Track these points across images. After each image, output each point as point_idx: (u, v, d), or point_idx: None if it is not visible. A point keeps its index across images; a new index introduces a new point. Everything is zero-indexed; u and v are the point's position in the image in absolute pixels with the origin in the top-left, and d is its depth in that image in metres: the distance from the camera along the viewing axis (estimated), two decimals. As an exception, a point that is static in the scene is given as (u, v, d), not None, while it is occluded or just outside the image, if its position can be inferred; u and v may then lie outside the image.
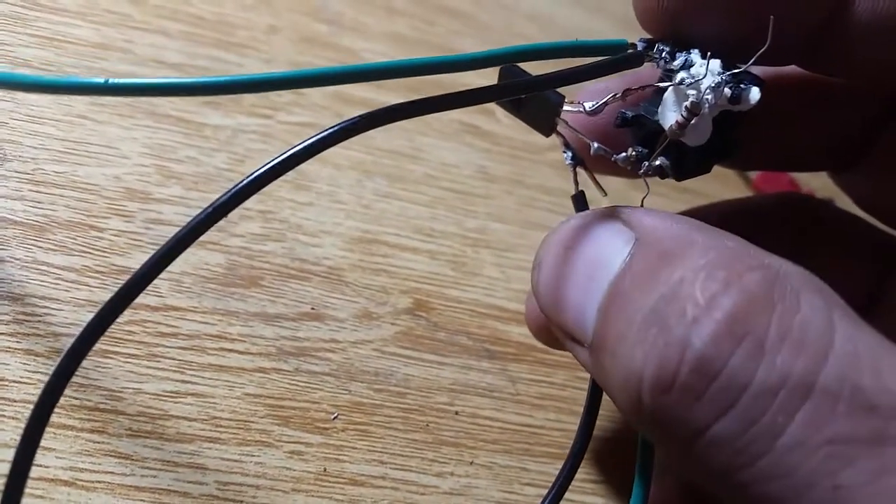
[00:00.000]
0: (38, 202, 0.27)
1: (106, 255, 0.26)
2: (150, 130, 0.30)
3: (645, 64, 0.21)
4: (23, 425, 0.22)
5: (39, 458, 0.22)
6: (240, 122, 0.31)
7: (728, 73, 0.19)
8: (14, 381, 0.23)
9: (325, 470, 0.25)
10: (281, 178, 0.31)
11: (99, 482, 0.23)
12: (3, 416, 0.23)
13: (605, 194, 0.23)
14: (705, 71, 0.19)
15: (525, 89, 0.20)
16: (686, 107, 0.19)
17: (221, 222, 0.28)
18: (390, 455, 0.26)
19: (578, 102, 0.21)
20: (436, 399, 0.28)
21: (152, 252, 0.27)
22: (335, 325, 0.28)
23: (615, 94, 0.21)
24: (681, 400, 0.15)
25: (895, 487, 0.14)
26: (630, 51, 0.20)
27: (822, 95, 0.25)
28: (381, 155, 0.33)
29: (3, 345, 0.24)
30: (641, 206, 0.21)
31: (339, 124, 0.18)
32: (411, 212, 0.32)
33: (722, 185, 0.40)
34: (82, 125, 0.29)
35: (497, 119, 0.37)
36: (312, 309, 0.28)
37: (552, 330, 0.21)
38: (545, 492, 0.26)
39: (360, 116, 0.18)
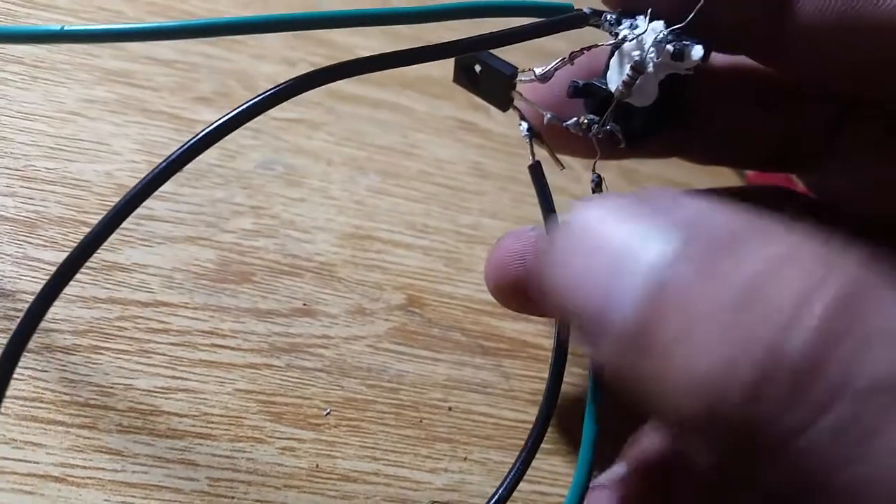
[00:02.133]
0: (30, 198, 0.27)
1: (97, 251, 0.26)
2: (141, 127, 0.30)
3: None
4: (10, 421, 0.22)
5: (30, 454, 0.22)
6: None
7: (670, 30, 0.20)
8: (4, 377, 0.23)
9: (317, 466, 0.25)
10: (272, 173, 0.31)
11: (90, 478, 0.22)
12: (-7, 412, 0.22)
13: (563, 167, 0.24)
14: (646, 28, 0.20)
15: (468, 49, 0.20)
16: (631, 66, 0.20)
17: (213, 218, 0.28)
18: (383, 451, 0.26)
19: (530, 70, 0.21)
20: (429, 395, 0.28)
21: (143, 248, 0.27)
22: (327, 320, 0.28)
23: (563, 59, 0.21)
24: (773, 403, 0.14)
25: None
26: (573, 12, 0.21)
27: (778, 94, 0.25)
28: (375, 151, 0.33)
29: (-8, 341, 0.24)
30: (594, 171, 0.22)
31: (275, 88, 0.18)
32: (405, 208, 0.32)
33: (715, 178, 0.40)
34: (74, 122, 0.29)
35: (491, 116, 0.37)
36: (304, 305, 0.28)
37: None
38: (538, 488, 0.26)
39: (295, 78, 0.18)
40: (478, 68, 0.23)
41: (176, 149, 0.18)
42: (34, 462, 0.22)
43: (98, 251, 0.26)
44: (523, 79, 0.22)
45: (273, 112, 0.32)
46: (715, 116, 0.25)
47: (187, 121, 0.31)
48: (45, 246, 0.26)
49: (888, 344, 0.14)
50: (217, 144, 0.30)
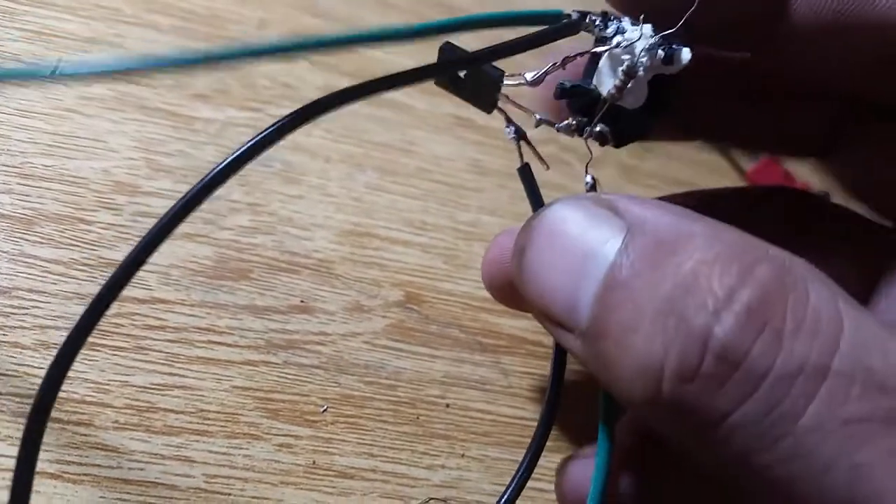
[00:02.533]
0: (27, 195, 0.27)
1: (94, 248, 0.26)
2: (139, 124, 0.30)
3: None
4: (6, 418, 0.22)
5: (25, 450, 0.22)
6: (229, 115, 0.31)
7: (660, 35, 0.20)
8: (0, 374, 0.23)
9: (314, 463, 0.25)
10: (270, 170, 0.31)
11: (86, 475, 0.22)
12: (-11, 408, 0.22)
13: (548, 167, 0.24)
14: (639, 34, 0.20)
15: (464, 65, 0.20)
16: (622, 70, 0.20)
17: (210, 215, 0.28)
18: (380, 448, 0.26)
19: (520, 74, 0.21)
20: (427, 392, 0.28)
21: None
22: (325, 317, 0.28)
23: (555, 63, 0.21)
24: (704, 388, 0.16)
25: None
26: (565, 20, 0.21)
27: (776, 90, 0.25)
28: (373, 148, 0.33)
29: (-11, 338, 0.24)
30: (586, 172, 0.22)
31: (276, 123, 0.18)
32: (403, 205, 0.32)
33: (716, 176, 0.40)
34: (71, 119, 0.29)
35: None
36: (302, 302, 0.28)
37: (535, 316, 0.20)
38: (537, 484, 0.26)
39: (294, 112, 0.18)
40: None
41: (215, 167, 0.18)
42: (30, 459, 0.22)
43: (95, 248, 0.26)
44: (509, 82, 0.22)
45: (271, 109, 0.32)
46: (707, 111, 0.25)
47: (185, 118, 0.31)
48: (42, 243, 0.26)
49: (806, 333, 0.15)
50: (214, 142, 0.31)
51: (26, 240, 0.26)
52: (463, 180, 0.34)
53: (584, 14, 0.21)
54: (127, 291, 0.25)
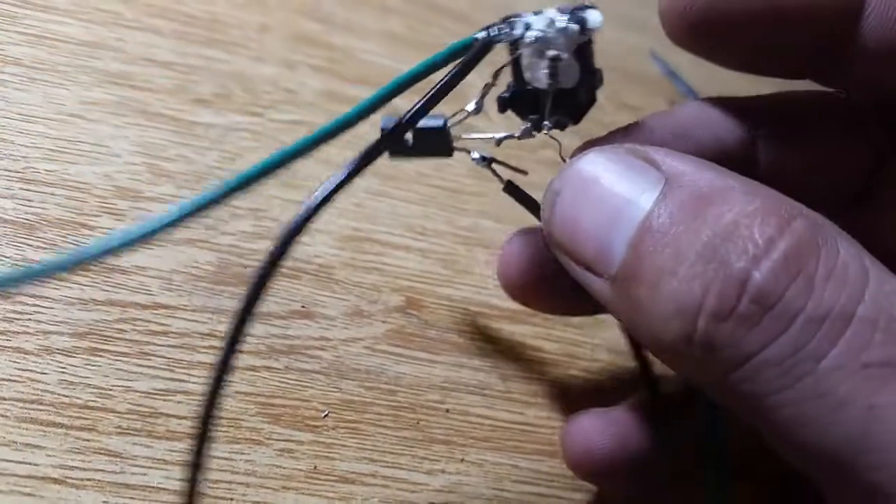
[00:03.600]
0: (29, 200, 0.27)
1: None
2: (140, 129, 0.30)
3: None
4: (10, 423, 0.22)
5: (29, 455, 0.22)
6: (231, 120, 0.31)
7: (563, 12, 0.21)
8: (4, 379, 0.23)
9: (315, 467, 0.25)
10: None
11: (89, 480, 0.23)
12: (-7, 414, 0.23)
13: (526, 173, 0.26)
14: (546, 20, 0.21)
15: (402, 131, 0.21)
16: (548, 58, 0.21)
17: (212, 220, 0.28)
18: (381, 453, 0.26)
19: (462, 110, 0.23)
20: (427, 397, 0.28)
21: (142, 251, 0.27)
22: (326, 323, 0.28)
23: (487, 84, 0.23)
24: (738, 327, 0.17)
25: None
26: (476, 45, 0.21)
27: (830, 123, 0.25)
28: (373, 153, 0.33)
29: (-8, 343, 0.24)
30: (563, 160, 0.23)
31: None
32: (403, 210, 0.32)
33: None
34: (74, 124, 0.29)
35: (490, 118, 0.37)
36: (303, 307, 0.28)
37: (559, 259, 0.21)
38: (536, 489, 0.26)
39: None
40: (408, 135, 0.24)
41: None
42: (33, 464, 0.22)
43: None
44: (454, 121, 0.24)
45: (272, 114, 0.32)
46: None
47: (186, 123, 0.31)
48: (45, 248, 0.26)
49: (836, 282, 0.16)
50: (217, 148, 0.31)
51: (28, 245, 0.26)
52: (463, 185, 0.34)
53: (488, 29, 0.22)
54: (129, 296, 0.26)
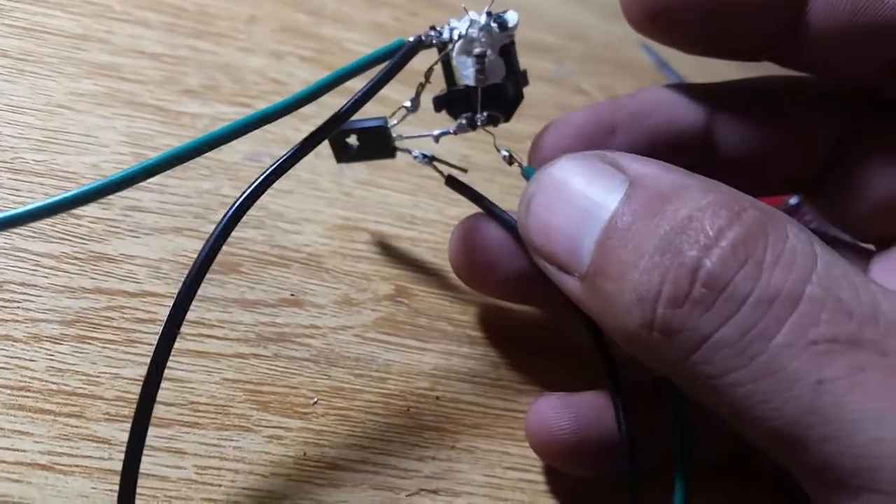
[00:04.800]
0: (17, 190, 0.27)
1: (84, 241, 0.26)
2: (128, 119, 0.30)
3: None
4: (0, 411, 0.22)
5: (17, 442, 0.22)
6: (218, 110, 0.31)
7: (484, 13, 0.23)
8: (-9, 367, 0.23)
9: (304, 454, 0.25)
10: (260, 164, 0.31)
11: (77, 466, 0.23)
12: (-20, 401, 0.23)
13: (466, 171, 0.28)
14: (468, 21, 0.23)
15: (337, 123, 0.23)
16: (474, 56, 0.23)
17: (200, 209, 0.28)
18: (371, 440, 0.26)
19: (400, 107, 0.25)
20: (417, 384, 0.28)
21: (130, 239, 0.27)
22: (315, 311, 0.28)
23: (421, 83, 0.25)
24: (692, 311, 0.18)
25: (868, 381, 0.16)
26: (404, 48, 0.23)
27: (788, 108, 0.26)
28: (362, 143, 0.33)
29: (-20, 331, 0.24)
30: (497, 149, 0.26)
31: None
32: (393, 199, 0.32)
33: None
34: (61, 114, 0.29)
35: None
36: (292, 295, 0.28)
37: (535, 261, 0.23)
38: (527, 476, 0.26)
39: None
40: (351, 139, 0.26)
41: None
42: (21, 451, 0.22)
43: (85, 242, 0.26)
44: (394, 122, 0.26)
45: (260, 105, 0.32)
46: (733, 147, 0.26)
47: (174, 113, 0.31)
48: (33, 237, 0.26)
49: (783, 265, 0.17)
50: (204, 136, 0.31)
51: (18, 234, 0.26)
52: (453, 163, 0.34)
53: (419, 35, 0.24)
54: (117, 284, 0.26)
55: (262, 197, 0.29)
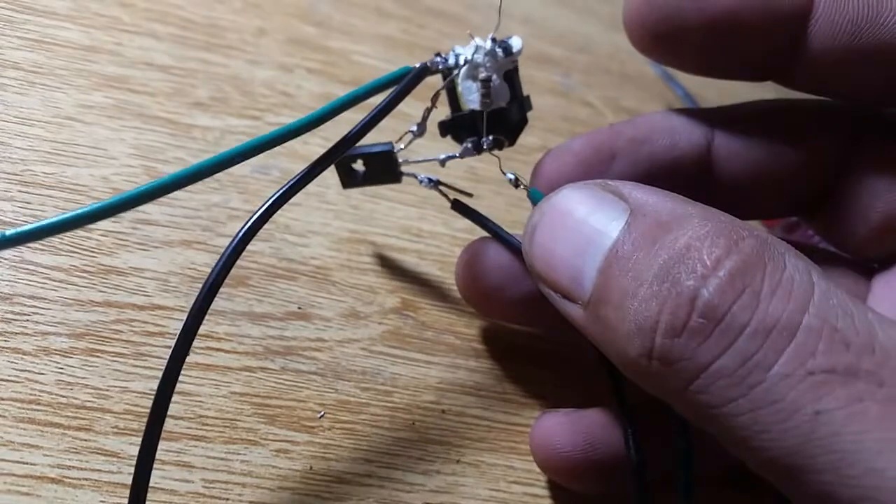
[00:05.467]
0: (27, 203, 0.27)
1: (94, 254, 0.26)
2: (137, 132, 0.30)
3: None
4: (8, 423, 0.23)
5: (27, 455, 0.22)
6: (228, 123, 0.32)
7: (489, 39, 0.24)
8: (2, 380, 0.23)
9: (311, 468, 0.25)
10: (268, 177, 0.31)
11: (86, 479, 0.23)
12: (-10, 414, 0.23)
13: (471, 195, 0.29)
14: (474, 47, 0.24)
15: (345, 146, 0.23)
16: (480, 81, 0.24)
17: (209, 222, 0.29)
18: (376, 453, 0.26)
19: (407, 132, 0.26)
20: (422, 397, 0.28)
21: (139, 252, 0.27)
22: (322, 324, 0.28)
23: (427, 108, 0.25)
24: (690, 341, 0.18)
25: (866, 411, 0.16)
26: (411, 73, 0.24)
27: (786, 131, 0.26)
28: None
29: (-10, 344, 0.24)
30: (503, 172, 0.26)
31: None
32: (399, 212, 0.32)
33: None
34: (71, 126, 0.29)
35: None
36: (299, 308, 0.28)
37: (540, 288, 0.23)
38: (531, 490, 0.27)
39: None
40: (357, 164, 0.27)
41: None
42: (31, 464, 0.22)
43: (95, 255, 0.26)
44: (401, 146, 0.26)
45: (269, 117, 0.32)
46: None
47: (184, 126, 0.31)
48: (43, 250, 0.26)
49: (781, 296, 0.17)
50: (214, 150, 0.31)
51: (27, 246, 0.26)
52: (459, 187, 0.34)
53: (425, 62, 0.24)
54: (126, 298, 0.26)
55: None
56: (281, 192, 0.22)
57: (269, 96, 0.33)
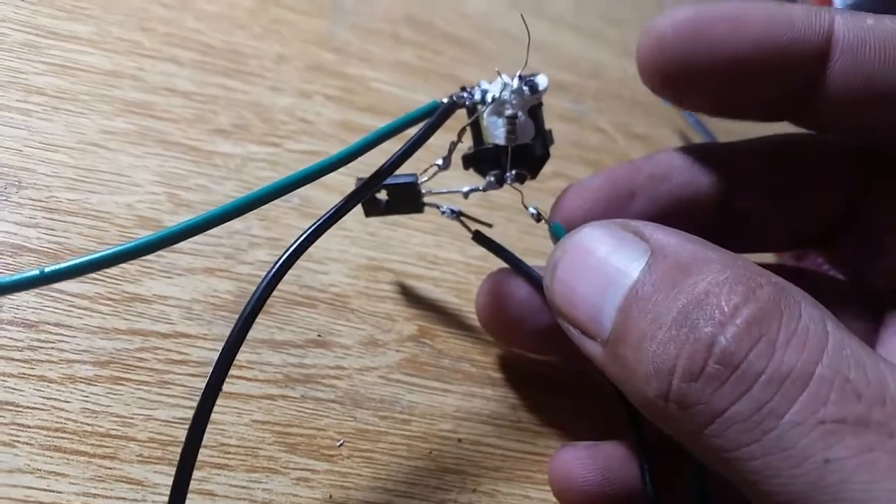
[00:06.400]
0: (52, 229, 0.27)
1: (118, 282, 0.27)
2: (161, 158, 0.30)
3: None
4: (35, 451, 0.23)
5: (53, 483, 0.23)
6: (249, 150, 0.32)
7: (516, 77, 0.24)
8: (28, 407, 0.24)
9: (330, 497, 0.25)
10: (288, 205, 0.31)
11: (110, 508, 0.23)
12: (18, 441, 0.23)
13: (491, 226, 0.29)
14: (501, 84, 0.24)
15: (378, 180, 0.24)
16: (506, 117, 0.24)
17: (230, 249, 0.29)
18: (394, 482, 0.26)
19: (432, 165, 0.26)
20: (439, 426, 0.28)
21: (163, 280, 0.27)
22: (341, 351, 0.29)
23: (453, 142, 0.25)
24: (706, 386, 0.18)
25: (876, 461, 0.16)
26: (440, 107, 0.24)
27: (801, 167, 0.27)
28: (387, 183, 0.34)
29: (17, 371, 0.24)
30: (525, 207, 0.27)
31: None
32: (416, 239, 0.33)
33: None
34: (94, 153, 0.30)
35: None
36: (319, 336, 0.29)
37: (559, 323, 0.23)
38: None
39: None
40: (381, 194, 0.27)
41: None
42: (57, 492, 0.23)
43: (119, 282, 0.26)
44: (424, 178, 0.26)
45: (289, 144, 0.33)
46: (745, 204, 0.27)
47: (206, 153, 0.31)
48: (68, 277, 0.26)
49: (795, 345, 0.18)
50: (235, 177, 0.31)
51: (52, 273, 0.26)
52: (473, 214, 0.35)
53: (451, 96, 0.25)
54: (150, 325, 0.26)
55: (290, 236, 0.30)
56: (318, 224, 0.22)
57: (288, 123, 0.34)
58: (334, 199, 0.32)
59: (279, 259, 0.22)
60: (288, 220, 0.31)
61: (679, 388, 0.19)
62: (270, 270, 0.21)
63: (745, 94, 0.24)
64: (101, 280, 0.27)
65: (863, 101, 0.23)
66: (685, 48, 0.23)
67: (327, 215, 0.22)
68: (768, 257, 0.36)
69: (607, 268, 0.21)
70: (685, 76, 0.24)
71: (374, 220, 0.32)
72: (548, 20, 0.48)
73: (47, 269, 0.19)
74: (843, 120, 0.24)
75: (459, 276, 0.33)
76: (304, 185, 0.21)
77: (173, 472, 0.24)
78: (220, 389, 0.21)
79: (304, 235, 0.22)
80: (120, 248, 0.19)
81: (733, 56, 0.23)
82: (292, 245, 0.22)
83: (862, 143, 0.26)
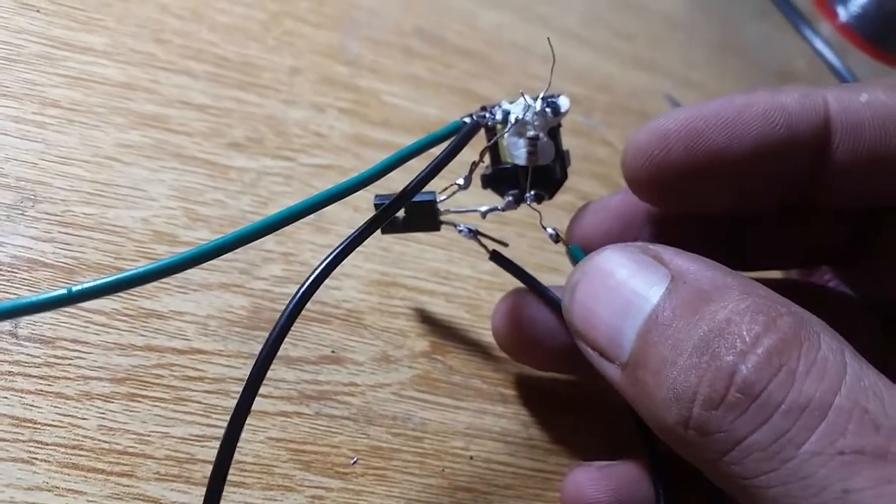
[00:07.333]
0: (68, 244, 0.27)
1: (134, 298, 0.27)
2: (176, 173, 0.30)
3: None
4: (53, 469, 0.23)
5: (71, 501, 0.23)
6: (264, 164, 0.32)
7: (539, 98, 0.24)
8: (46, 424, 0.24)
9: (344, 514, 0.26)
10: (302, 220, 0.31)
11: (127, 526, 0.23)
12: (36, 458, 0.23)
13: (507, 245, 0.29)
14: (523, 105, 0.24)
15: (402, 200, 0.24)
16: (527, 138, 0.25)
17: (245, 265, 0.29)
18: (407, 500, 0.27)
19: (453, 184, 0.26)
20: (451, 443, 0.28)
21: (179, 296, 0.27)
22: (354, 368, 0.29)
23: (474, 162, 0.26)
24: (726, 414, 0.18)
25: (894, 494, 0.16)
26: (465, 127, 0.24)
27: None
28: (400, 198, 0.34)
29: (35, 387, 0.24)
30: (543, 228, 0.27)
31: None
32: (428, 254, 0.33)
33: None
34: (110, 167, 0.30)
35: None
36: (332, 352, 0.29)
37: (578, 345, 0.23)
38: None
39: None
40: (398, 211, 0.27)
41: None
42: (75, 510, 0.23)
43: (135, 298, 0.26)
44: (443, 197, 0.27)
45: (303, 158, 0.33)
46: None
47: (221, 167, 0.31)
48: (84, 292, 0.26)
49: (815, 375, 0.18)
50: (251, 192, 0.31)
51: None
52: (484, 230, 0.35)
53: (471, 115, 0.25)
54: (167, 342, 0.26)
55: (304, 251, 0.30)
56: (343, 246, 0.23)
57: (302, 136, 0.34)
58: (348, 214, 0.32)
59: (304, 283, 0.22)
60: (301, 235, 0.31)
61: (700, 415, 0.19)
62: (298, 291, 0.22)
63: (749, 193, 0.24)
64: (117, 296, 0.27)
65: (870, 174, 0.23)
66: (682, 161, 0.23)
67: (351, 238, 0.23)
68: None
69: (627, 292, 0.21)
70: (683, 189, 0.24)
71: (386, 235, 0.32)
72: (557, 33, 0.48)
73: (75, 289, 0.19)
74: (853, 191, 0.25)
75: (471, 291, 0.33)
76: (329, 204, 0.21)
77: (190, 490, 0.24)
78: (244, 421, 0.21)
79: (333, 255, 0.22)
80: (151, 266, 0.19)
81: (732, 162, 0.23)
82: (320, 265, 0.22)
83: (877, 204, 0.26)
